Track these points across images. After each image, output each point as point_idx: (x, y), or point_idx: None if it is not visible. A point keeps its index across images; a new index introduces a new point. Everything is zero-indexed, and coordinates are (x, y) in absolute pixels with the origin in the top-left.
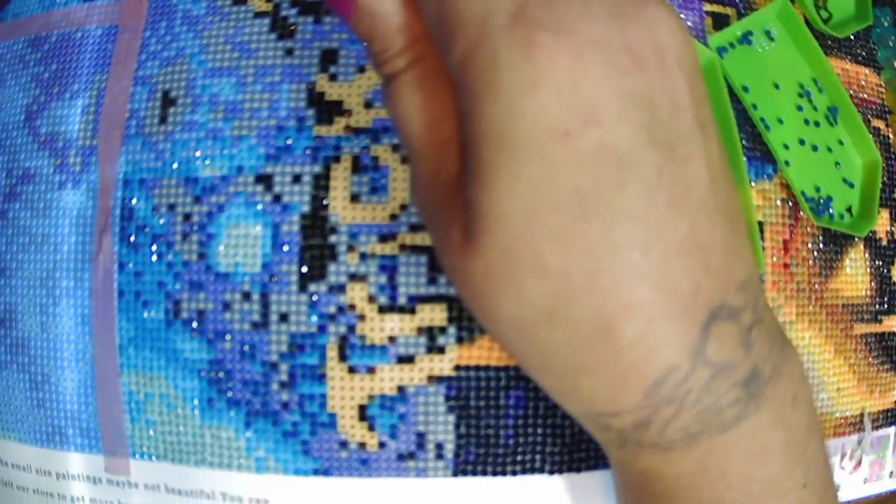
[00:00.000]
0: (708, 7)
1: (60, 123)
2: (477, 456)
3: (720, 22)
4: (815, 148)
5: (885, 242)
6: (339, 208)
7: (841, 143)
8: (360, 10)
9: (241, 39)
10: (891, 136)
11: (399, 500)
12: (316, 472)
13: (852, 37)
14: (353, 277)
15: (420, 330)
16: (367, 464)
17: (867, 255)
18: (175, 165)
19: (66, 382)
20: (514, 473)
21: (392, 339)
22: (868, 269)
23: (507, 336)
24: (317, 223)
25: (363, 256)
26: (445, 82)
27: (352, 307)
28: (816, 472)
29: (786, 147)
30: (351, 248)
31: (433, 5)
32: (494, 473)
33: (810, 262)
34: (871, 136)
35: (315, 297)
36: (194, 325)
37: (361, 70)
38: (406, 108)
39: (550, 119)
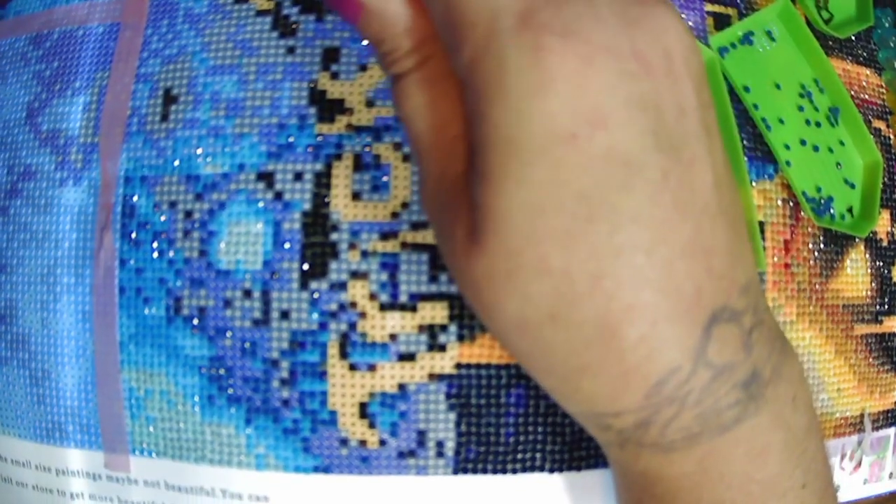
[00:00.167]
0: (709, 7)
1: (62, 121)
2: (477, 454)
3: (721, 22)
4: (816, 148)
5: (885, 243)
6: (341, 206)
7: (842, 143)
8: (368, 13)
9: (243, 37)
10: (892, 136)
11: (399, 497)
12: (316, 470)
13: (853, 37)
14: (355, 275)
15: (421, 328)
16: (367, 461)
17: (868, 255)
18: (176, 163)
19: (66, 379)
20: (514, 472)
21: (393, 336)
22: (869, 270)
23: (509, 336)
24: (318, 221)
25: (364, 254)
26: (453, 82)
27: (353, 305)
28: (816, 472)
29: (787, 147)
30: (352, 246)
31: (440, 7)
32: (495, 471)
33: (811, 262)
34: (872, 136)
35: (316, 295)
36: (195, 321)
37: (363, 68)
38: (413, 108)
39: (558, 122)
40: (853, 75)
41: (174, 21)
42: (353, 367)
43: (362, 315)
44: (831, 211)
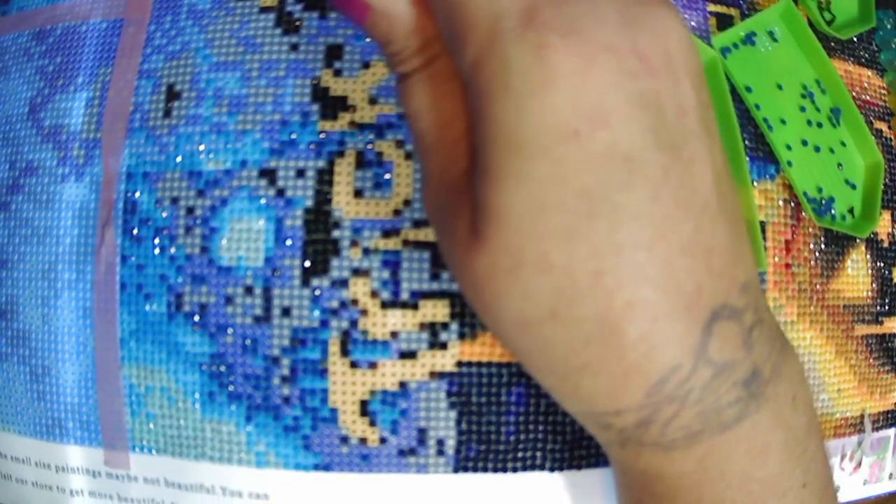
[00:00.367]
0: (712, 7)
1: (64, 116)
2: (478, 452)
3: (724, 22)
4: (817, 149)
5: (886, 244)
6: (343, 203)
7: (843, 144)
8: (375, 14)
9: (247, 34)
10: (893, 138)
11: (399, 495)
12: (316, 467)
13: (855, 39)
14: (356, 272)
15: (422, 325)
16: (367, 459)
17: (869, 256)
18: (179, 159)
19: (66, 375)
20: (514, 470)
21: (394, 334)
22: (869, 271)
23: (509, 334)
24: (320, 218)
25: (366, 251)
26: (458, 81)
27: (354, 302)
28: (816, 472)
29: (788, 147)
30: (354, 244)
31: (443, 10)
32: (495, 470)
33: (812, 262)
34: (873, 137)
35: (317, 292)
36: (196, 318)
37: (366, 66)
38: (418, 106)
39: (560, 120)
40: (855, 76)
41: (177, 17)
42: (354, 365)
43: (363, 312)
44: (832, 211)
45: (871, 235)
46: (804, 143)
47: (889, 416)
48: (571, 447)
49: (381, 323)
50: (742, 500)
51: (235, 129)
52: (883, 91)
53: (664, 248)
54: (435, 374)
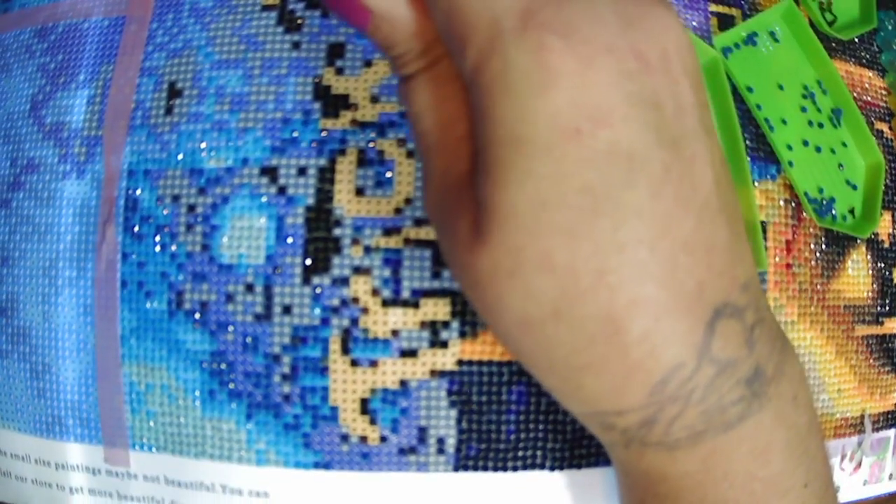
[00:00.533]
0: (713, 7)
1: (65, 113)
2: (478, 451)
3: (725, 22)
4: (818, 149)
5: (887, 244)
6: (344, 201)
7: (844, 144)
8: (378, 18)
9: (249, 32)
10: (894, 138)
11: (399, 494)
12: (317, 466)
13: (856, 40)
14: (357, 270)
15: (423, 324)
16: (368, 458)
17: (869, 256)
18: (180, 157)
19: (66, 372)
20: (515, 469)
21: (395, 332)
22: (870, 271)
23: (511, 334)
24: (321, 216)
25: (367, 250)
26: (459, 83)
27: (355, 300)
28: (817, 472)
29: (789, 148)
30: (355, 242)
31: (442, 14)
32: (495, 469)
33: (812, 262)
34: (874, 138)
35: (318, 290)
36: (197, 316)
37: (368, 64)
38: (421, 107)
39: (562, 118)
40: (856, 77)
41: (179, 15)
42: (354, 363)
43: (364, 311)
44: (833, 212)
45: (872, 236)
46: (805, 143)
47: (889, 416)
48: (572, 446)
49: (382, 321)
50: (745, 500)
51: (237, 127)
52: (884, 92)
53: (666, 246)
54: (435, 373)
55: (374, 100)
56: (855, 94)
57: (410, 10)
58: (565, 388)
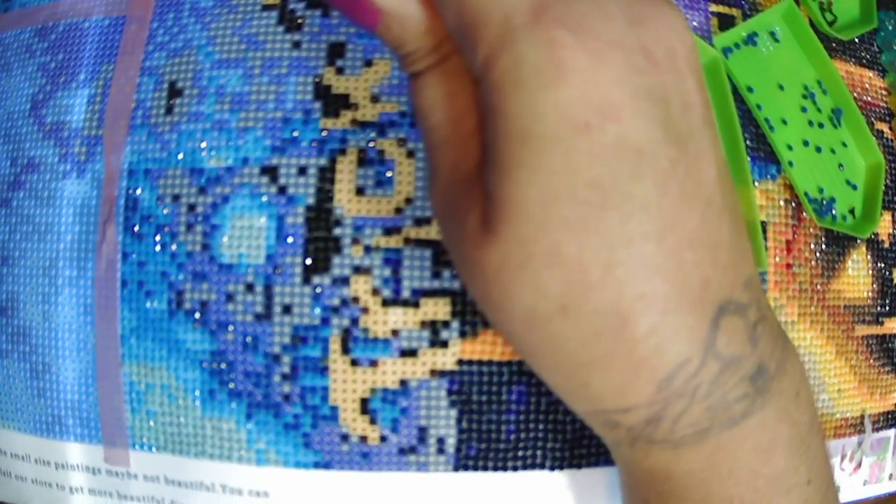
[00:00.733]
0: (714, 7)
1: (66, 113)
2: (478, 451)
3: (725, 22)
4: (818, 149)
5: (887, 245)
6: (344, 201)
7: (844, 144)
8: (387, 18)
9: (249, 32)
10: (894, 139)
11: (399, 494)
12: (317, 465)
13: (857, 40)
14: (358, 270)
15: (423, 324)
16: (368, 457)
17: (869, 256)
18: (180, 156)
19: (66, 372)
20: (515, 469)
21: (395, 332)
22: (870, 271)
23: (517, 331)
24: (322, 215)
25: (367, 249)
26: (469, 78)
27: (355, 300)
28: (819, 469)
29: (789, 148)
30: (355, 241)
31: (452, 11)
32: (496, 469)
33: (812, 262)
34: (874, 138)
35: (319, 290)
36: (197, 315)
37: (368, 64)
38: (431, 102)
39: (572, 113)
40: (856, 77)
41: (180, 15)
42: (354, 363)
43: (364, 310)
44: (833, 212)
45: (872, 236)
46: (805, 143)
47: (889, 416)
48: (572, 446)
49: (382, 321)
50: (749, 497)
51: (237, 127)
52: (884, 92)
53: (673, 241)
54: (436, 373)
55: (375, 99)
56: (855, 95)
57: (420, 9)
58: (570, 386)
